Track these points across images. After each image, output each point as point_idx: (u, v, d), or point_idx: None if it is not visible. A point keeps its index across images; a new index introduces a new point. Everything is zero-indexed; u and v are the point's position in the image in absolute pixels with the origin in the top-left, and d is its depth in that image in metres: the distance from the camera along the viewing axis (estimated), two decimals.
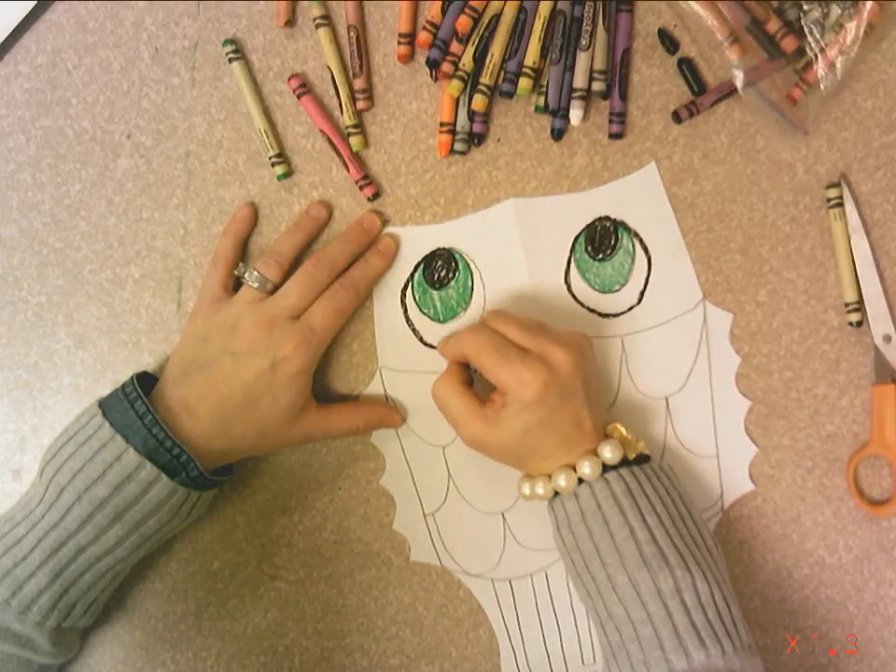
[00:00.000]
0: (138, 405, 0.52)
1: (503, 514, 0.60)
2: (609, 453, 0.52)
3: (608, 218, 0.60)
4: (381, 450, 0.61)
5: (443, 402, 0.55)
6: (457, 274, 0.60)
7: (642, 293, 0.60)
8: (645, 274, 0.60)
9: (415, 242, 0.60)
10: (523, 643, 0.61)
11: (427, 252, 0.60)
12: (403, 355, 0.60)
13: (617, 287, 0.60)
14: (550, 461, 0.54)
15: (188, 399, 0.53)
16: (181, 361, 0.55)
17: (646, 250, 0.60)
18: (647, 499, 0.51)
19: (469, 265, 0.60)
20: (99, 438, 0.51)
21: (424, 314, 0.60)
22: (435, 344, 0.60)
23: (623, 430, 0.54)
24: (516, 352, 0.53)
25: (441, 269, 0.60)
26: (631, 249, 0.60)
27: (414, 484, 0.61)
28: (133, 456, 0.50)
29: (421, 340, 0.60)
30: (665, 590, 0.49)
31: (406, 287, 0.60)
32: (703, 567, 0.50)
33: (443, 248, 0.60)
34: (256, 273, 0.55)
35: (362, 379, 0.60)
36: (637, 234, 0.60)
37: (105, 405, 0.53)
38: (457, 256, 0.60)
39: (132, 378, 0.54)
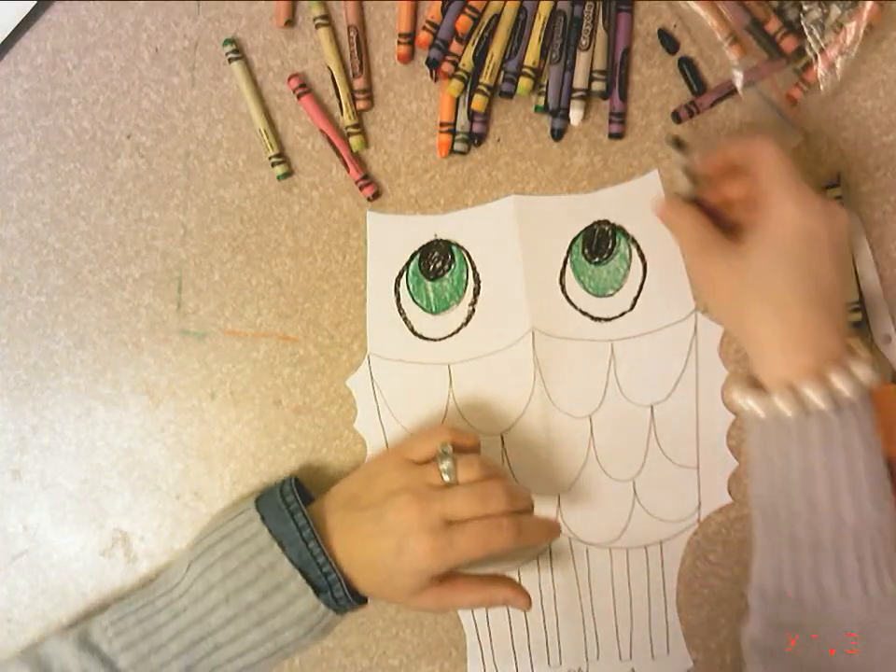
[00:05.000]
0: (298, 517, 0.52)
1: None
2: (865, 376, 0.46)
3: (607, 223, 0.60)
4: (364, 437, 0.61)
5: (676, 222, 0.51)
6: (453, 267, 0.60)
7: (635, 300, 0.60)
8: (639, 281, 0.60)
9: (414, 230, 0.60)
10: (490, 640, 0.61)
11: (425, 242, 0.60)
12: (393, 343, 0.60)
13: (611, 292, 0.60)
14: (784, 354, 0.47)
15: (336, 530, 0.53)
16: (346, 493, 0.55)
17: (642, 257, 0.60)
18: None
19: (465, 258, 0.60)
20: (257, 543, 0.52)
21: (416, 304, 0.60)
22: (425, 335, 0.60)
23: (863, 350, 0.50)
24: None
25: (437, 260, 0.60)
26: (627, 255, 0.60)
27: None
28: (286, 567, 0.51)
29: (412, 330, 0.60)
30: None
31: (401, 275, 0.60)
32: None
33: (441, 239, 0.60)
34: (450, 465, 0.53)
35: (351, 364, 0.61)
36: (634, 241, 0.60)
37: (263, 509, 0.53)
38: (454, 248, 0.60)
39: (291, 486, 0.55)
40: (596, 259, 0.60)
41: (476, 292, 0.60)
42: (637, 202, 0.60)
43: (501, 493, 0.52)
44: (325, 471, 0.61)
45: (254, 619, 0.51)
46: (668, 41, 0.59)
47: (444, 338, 0.60)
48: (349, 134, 0.59)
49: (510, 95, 0.58)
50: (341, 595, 0.52)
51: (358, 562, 0.52)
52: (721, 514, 0.60)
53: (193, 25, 0.60)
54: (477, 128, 0.59)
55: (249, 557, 0.52)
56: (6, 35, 0.60)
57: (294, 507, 0.53)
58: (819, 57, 0.57)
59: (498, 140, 0.60)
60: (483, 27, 0.57)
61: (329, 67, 0.59)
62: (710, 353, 0.60)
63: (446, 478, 0.52)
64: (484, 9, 0.57)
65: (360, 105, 0.59)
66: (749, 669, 0.51)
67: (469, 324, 0.60)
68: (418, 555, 0.50)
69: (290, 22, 0.60)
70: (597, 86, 0.58)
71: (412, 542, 0.50)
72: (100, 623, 0.54)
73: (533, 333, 0.60)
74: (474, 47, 0.57)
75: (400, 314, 0.60)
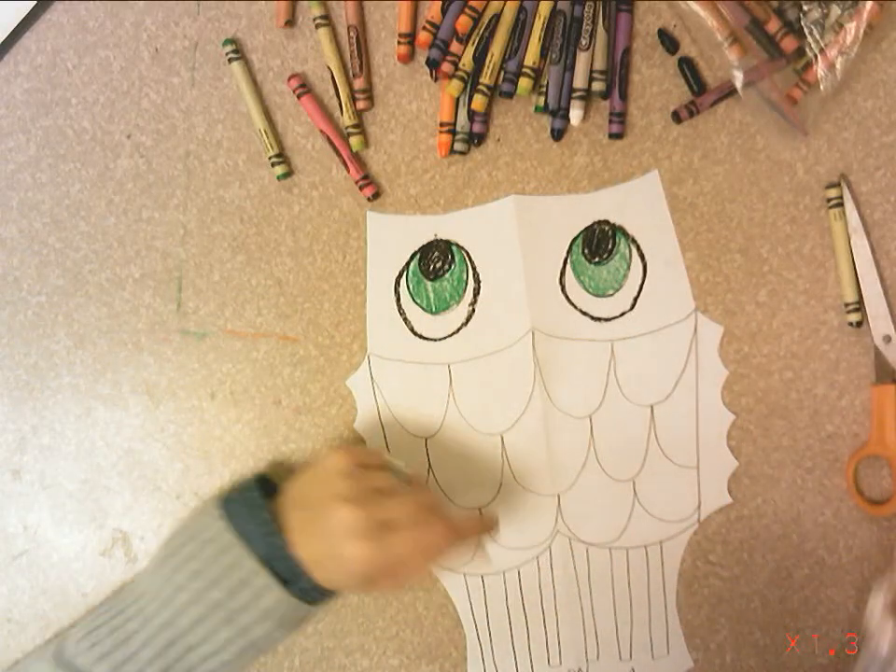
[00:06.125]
0: (260, 513, 0.53)
1: (480, 510, 0.61)
2: None
3: (607, 223, 0.60)
4: (364, 437, 0.61)
5: None
6: (453, 267, 0.60)
7: (635, 300, 0.60)
8: (639, 281, 0.60)
9: (414, 230, 0.60)
10: (490, 640, 0.61)
11: (425, 242, 0.60)
12: (392, 343, 0.60)
13: (611, 292, 0.60)
14: None
15: (294, 526, 0.53)
16: (297, 490, 0.55)
17: (642, 257, 0.60)
18: None
19: (465, 258, 0.60)
20: (220, 541, 0.52)
21: (416, 304, 0.60)
22: (425, 335, 0.60)
23: None
24: None
25: (437, 260, 0.60)
26: (627, 255, 0.60)
27: None
28: (250, 563, 0.51)
29: (412, 330, 0.60)
30: None
31: (401, 275, 0.60)
32: None
33: (441, 239, 0.60)
34: (403, 467, 0.54)
35: (351, 364, 0.61)
36: (634, 241, 0.60)
37: (226, 507, 0.54)
38: (454, 248, 0.60)
39: (254, 482, 0.55)
40: (596, 259, 0.60)
41: (476, 292, 0.60)
42: (637, 202, 0.60)
43: (435, 499, 0.54)
44: None
45: (222, 617, 0.51)
46: (668, 41, 0.59)
47: (444, 338, 0.60)
48: (349, 134, 0.59)
49: (510, 95, 0.58)
50: (307, 586, 0.52)
51: (313, 557, 0.52)
52: (721, 514, 0.60)
53: (193, 25, 0.60)
54: (477, 128, 0.59)
55: (214, 556, 0.52)
56: (6, 35, 0.60)
57: (256, 503, 0.53)
58: (819, 57, 0.57)
59: (498, 140, 0.60)
60: (483, 27, 0.57)
61: (329, 67, 0.59)
62: (710, 353, 0.60)
63: (398, 479, 0.53)
64: (484, 9, 0.57)
65: (360, 105, 0.59)
66: None
67: (469, 324, 0.60)
68: (355, 561, 0.51)
69: (290, 22, 0.60)
70: (597, 86, 0.58)
71: (349, 548, 0.50)
72: (74, 636, 0.54)
73: (533, 333, 0.60)
74: (474, 47, 0.57)
75: (400, 314, 0.60)
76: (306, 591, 0.52)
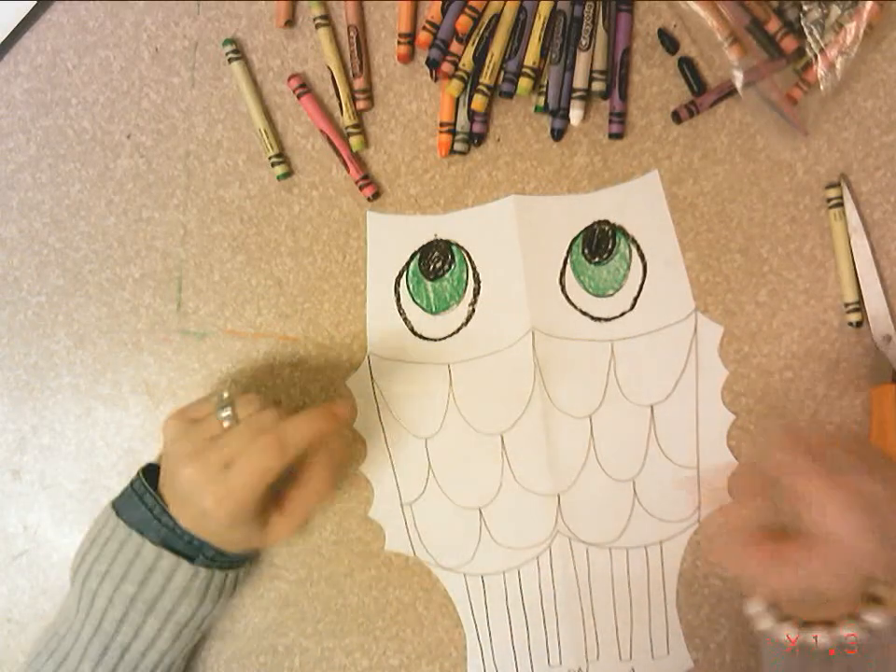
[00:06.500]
0: (147, 498, 0.53)
1: (480, 510, 0.61)
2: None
3: (607, 223, 0.60)
4: (363, 436, 0.61)
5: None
6: (453, 267, 0.60)
7: (635, 300, 0.60)
8: (640, 281, 0.60)
9: (414, 230, 0.60)
10: (490, 640, 0.61)
11: (425, 242, 0.60)
12: (393, 343, 0.61)
13: (611, 292, 0.60)
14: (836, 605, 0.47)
15: (173, 502, 0.53)
16: (163, 469, 0.55)
17: (642, 257, 0.60)
18: None
19: (465, 258, 0.60)
20: (117, 537, 0.52)
21: (416, 304, 0.60)
22: (425, 335, 0.60)
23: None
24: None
25: (437, 260, 0.60)
26: (627, 255, 0.60)
27: (394, 473, 0.61)
28: (150, 549, 0.52)
29: (412, 330, 0.60)
30: None
31: (401, 275, 0.60)
32: None
33: (441, 239, 0.60)
34: (229, 411, 0.52)
35: (351, 364, 0.61)
36: (634, 241, 0.60)
37: (117, 505, 0.54)
38: (454, 248, 0.60)
39: (138, 473, 0.55)
40: (596, 259, 0.60)
41: (476, 292, 0.60)
42: (637, 202, 0.60)
43: (272, 418, 0.51)
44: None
45: (142, 609, 0.52)
46: (668, 41, 0.59)
47: (444, 338, 0.60)
48: (349, 134, 0.59)
49: (510, 95, 0.58)
50: (212, 553, 0.53)
51: (191, 523, 0.52)
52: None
53: (193, 25, 0.60)
54: (477, 128, 0.59)
55: (116, 553, 0.52)
56: (6, 35, 0.60)
57: (141, 491, 0.53)
58: (819, 57, 0.57)
59: (498, 140, 0.60)
60: (483, 27, 0.57)
61: (329, 67, 0.59)
62: (710, 352, 0.60)
63: (226, 424, 0.51)
64: (484, 9, 0.57)
65: (360, 105, 0.60)
66: None
67: (469, 324, 0.60)
68: (212, 511, 0.50)
69: (290, 22, 0.60)
70: (597, 86, 0.58)
71: (201, 500, 0.50)
72: (23, 666, 0.54)
73: (533, 333, 0.60)
74: (474, 47, 0.58)
75: (400, 314, 0.60)
76: (213, 558, 0.53)
